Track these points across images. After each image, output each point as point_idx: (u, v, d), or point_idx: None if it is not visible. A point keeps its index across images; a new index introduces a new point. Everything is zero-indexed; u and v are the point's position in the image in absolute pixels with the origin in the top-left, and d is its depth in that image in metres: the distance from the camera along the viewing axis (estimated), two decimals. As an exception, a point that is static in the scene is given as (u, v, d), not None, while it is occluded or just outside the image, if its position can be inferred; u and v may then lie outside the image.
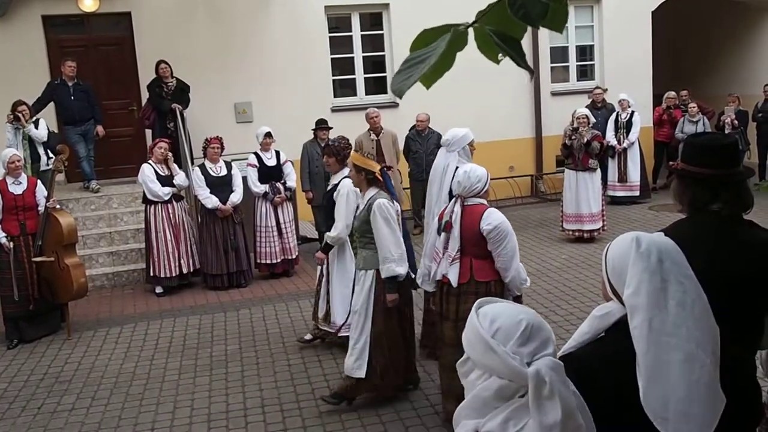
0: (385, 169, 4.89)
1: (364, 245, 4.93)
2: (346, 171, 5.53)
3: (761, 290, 2.38)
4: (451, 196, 4.75)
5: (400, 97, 1.43)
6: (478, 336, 1.64)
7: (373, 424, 4.80)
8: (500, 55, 1.44)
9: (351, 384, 4.94)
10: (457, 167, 4.97)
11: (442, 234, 4.40)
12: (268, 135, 8.52)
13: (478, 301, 1.72)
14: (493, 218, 4.26)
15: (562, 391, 1.56)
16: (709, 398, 1.83)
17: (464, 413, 1.70)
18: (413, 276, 4.95)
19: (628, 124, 11.37)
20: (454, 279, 4.36)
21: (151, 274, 8.00)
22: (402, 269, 4.71)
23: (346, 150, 5.75)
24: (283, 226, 8.46)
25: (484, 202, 4.43)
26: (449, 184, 5.05)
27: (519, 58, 1.41)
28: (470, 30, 1.44)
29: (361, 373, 4.86)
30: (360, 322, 4.86)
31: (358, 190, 5.13)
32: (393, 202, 4.81)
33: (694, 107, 11.75)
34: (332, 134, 9.21)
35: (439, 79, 1.44)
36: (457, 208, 4.36)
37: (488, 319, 1.65)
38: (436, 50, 1.40)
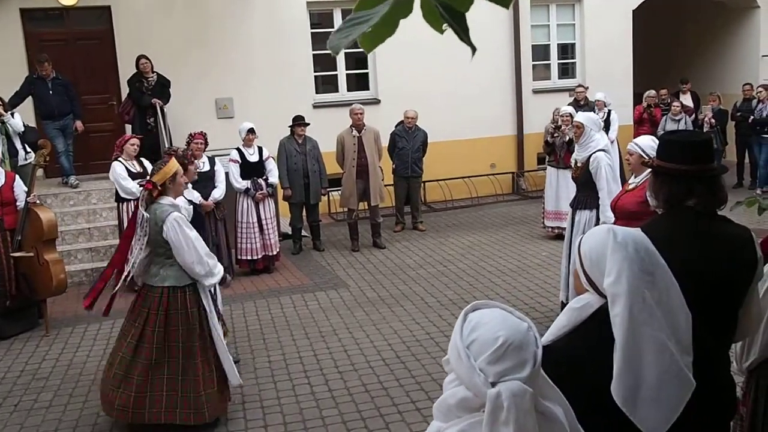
0: None
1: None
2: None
3: (734, 284, 2.41)
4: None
5: (336, 54, 1.40)
6: (455, 341, 1.61)
7: (353, 420, 4.81)
8: (444, 25, 1.39)
9: None
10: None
11: None
12: (251, 131, 8.48)
13: (473, 303, 1.67)
14: None
15: (520, 420, 1.49)
16: (677, 385, 1.87)
17: (434, 413, 1.69)
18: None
19: (606, 123, 11.42)
20: None
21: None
22: None
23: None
24: (264, 222, 8.44)
25: None
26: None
27: (462, 32, 1.35)
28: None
29: None
30: None
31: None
32: None
33: (677, 106, 11.86)
34: (310, 130, 9.16)
35: (380, 43, 1.39)
36: None
37: (470, 326, 1.61)
38: (378, 12, 1.35)
